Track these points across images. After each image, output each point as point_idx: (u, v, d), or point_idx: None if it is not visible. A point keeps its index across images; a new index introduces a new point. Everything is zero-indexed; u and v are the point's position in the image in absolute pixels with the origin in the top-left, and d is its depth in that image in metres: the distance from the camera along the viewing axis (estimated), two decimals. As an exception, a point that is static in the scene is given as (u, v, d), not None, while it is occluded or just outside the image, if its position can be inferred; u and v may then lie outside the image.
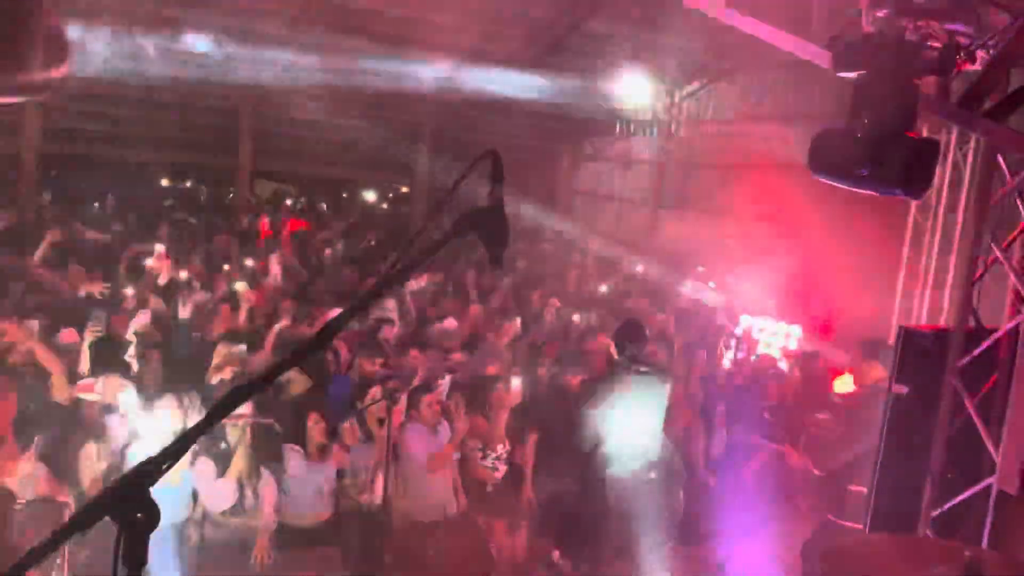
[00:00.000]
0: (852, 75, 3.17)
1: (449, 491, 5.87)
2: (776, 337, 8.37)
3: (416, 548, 5.42)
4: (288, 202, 19.28)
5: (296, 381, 5.55)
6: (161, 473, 1.21)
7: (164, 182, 18.70)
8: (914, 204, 7.79)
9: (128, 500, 1.18)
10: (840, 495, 5.23)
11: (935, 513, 3.27)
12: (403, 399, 5.81)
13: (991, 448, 3.15)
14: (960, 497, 3.21)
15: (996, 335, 3.24)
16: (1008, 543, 2.92)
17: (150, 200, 16.05)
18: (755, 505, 6.55)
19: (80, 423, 4.94)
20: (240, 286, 7.81)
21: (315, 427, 5.10)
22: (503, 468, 5.95)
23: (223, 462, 4.91)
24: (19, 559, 1.13)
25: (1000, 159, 3.32)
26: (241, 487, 4.91)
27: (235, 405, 1.31)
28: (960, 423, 3.29)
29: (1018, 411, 3.03)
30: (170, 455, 1.22)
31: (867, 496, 3.46)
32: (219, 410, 1.28)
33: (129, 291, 7.32)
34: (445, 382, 6.16)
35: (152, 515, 1.19)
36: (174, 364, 6.09)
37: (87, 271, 7.69)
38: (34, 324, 5.72)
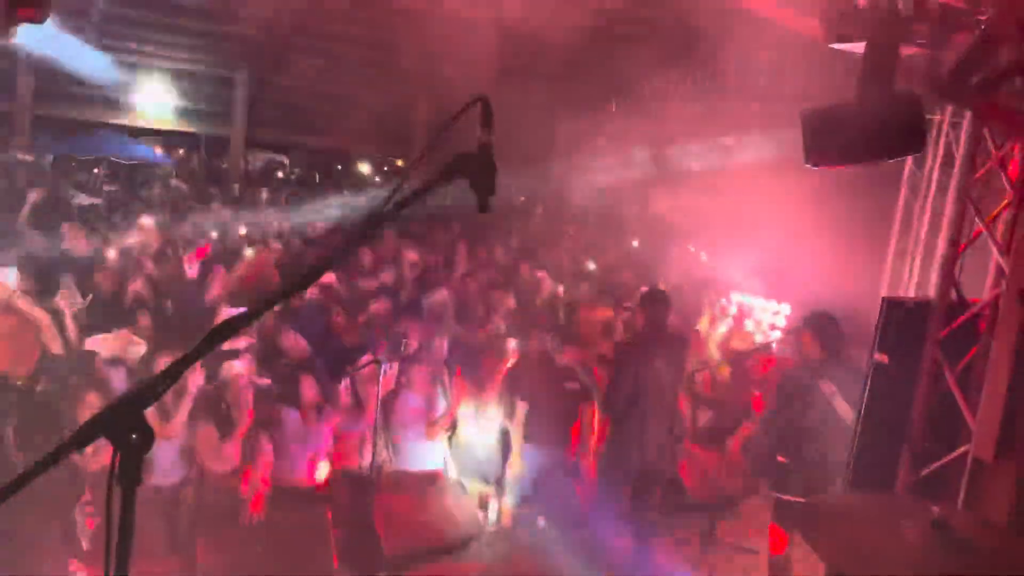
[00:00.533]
0: (844, 47, 3.20)
1: (439, 457, 5.96)
2: (765, 314, 8.45)
3: (405, 510, 5.51)
4: (280, 174, 19.24)
5: (296, 345, 5.60)
6: (157, 397, 1.26)
7: (157, 150, 18.61)
8: (904, 186, 7.85)
9: (124, 421, 1.23)
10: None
11: (912, 479, 3.35)
12: (395, 367, 5.88)
13: (968, 417, 3.22)
14: (937, 464, 3.29)
15: (976, 307, 3.30)
16: (981, 506, 3.01)
17: (143, 167, 15.99)
18: (741, 473, 6.67)
19: (83, 373, 4.97)
20: (248, 252, 7.90)
21: (309, 390, 5.16)
22: (495, 433, 6.03)
23: (224, 425, 4.98)
24: (20, 472, 1.18)
25: (987, 133, 3.37)
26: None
27: (227, 335, 1.36)
28: (939, 393, 3.36)
29: (994, 381, 3.10)
30: (166, 379, 1.27)
31: (847, 462, 3.55)
32: (211, 338, 1.32)
33: (112, 252, 7.36)
34: (438, 351, 6.22)
35: (146, 437, 1.24)
36: (178, 323, 6.17)
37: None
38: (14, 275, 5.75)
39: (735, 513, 6.47)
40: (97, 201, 10.37)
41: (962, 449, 3.21)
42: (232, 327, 1.39)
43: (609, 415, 5.61)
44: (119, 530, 1.23)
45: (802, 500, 4.49)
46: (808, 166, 3.34)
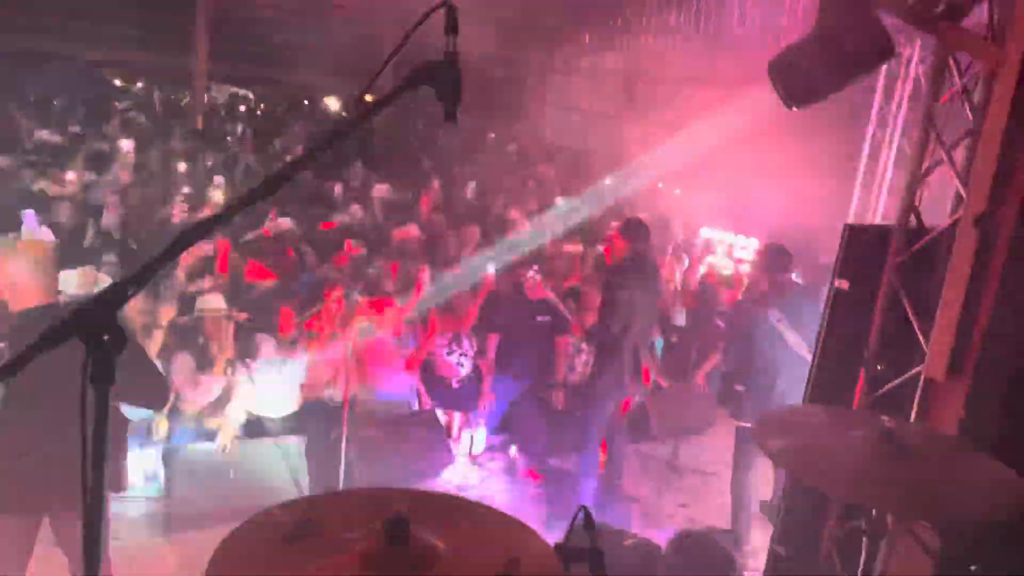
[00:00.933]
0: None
1: (412, 391, 6.05)
2: (733, 248, 8.57)
3: (378, 441, 5.60)
4: (243, 108, 18.78)
5: (264, 277, 5.60)
6: (126, 298, 1.27)
7: (117, 82, 18.06)
8: (873, 120, 7.91)
9: (95, 322, 1.25)
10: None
11: (867, 401, 3.47)
12: (366, 301, 5.91)
13: (922, 340, 3.33)
14: (890, 385, 3.41)
15: (934, 232, 3.38)
16: (930, 422, 3.14)
17: (102, 100, 15.52)
18: (705, 406, 6.85)
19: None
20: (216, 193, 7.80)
21: (284, 320, 5.19)
22: (469, 365, 6.11)
23: (202, 358, 5.00)
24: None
25: (951, 62, 3.40)
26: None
27: (192, 241, 1.37)
28: (896, 317, 3.46)
29: (948, 304, 3.20)
30: (135, 282, 1.29)
31: (805, 386, 3.66)
32: (176, 245, 1.33)
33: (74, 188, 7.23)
34: (408, 286, 6.26)
35: (118, 338, 1.26)
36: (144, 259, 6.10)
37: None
38: None
39: (699, 441, 6.67)
40: (57, 137, 10.09)
41: (915, 370, 3.33)
42: (197, 232, 1.40)
43: (597, 346, 5.66)
44: (94, 429, 1.26)
45: None
46: (793, 109, 3.35)
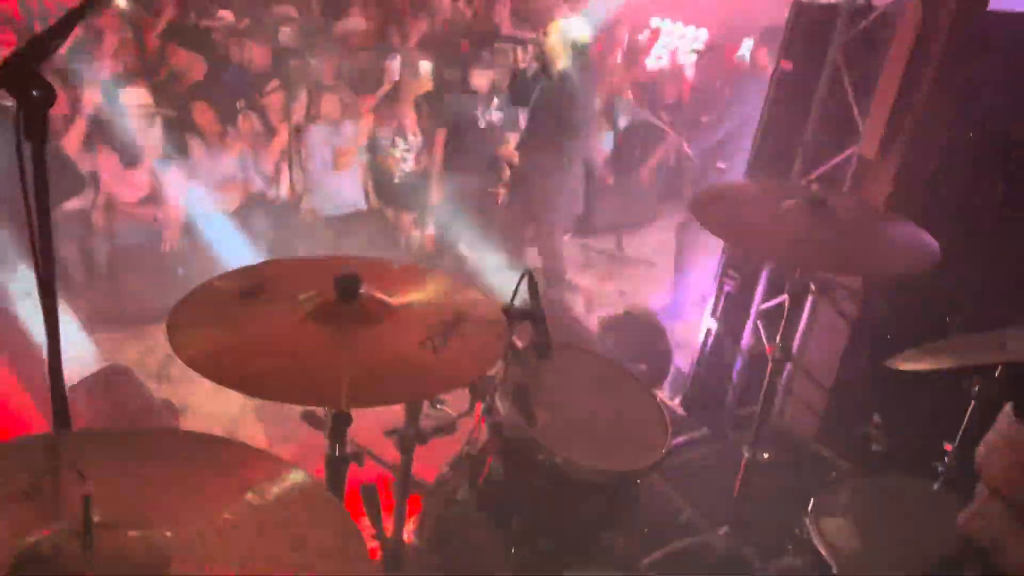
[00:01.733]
0: None
1: (358, 189, 6.01)
2: (684, 40, 8.37)
3: (327, 239, 5.65)
4: None
5: (191, 69, 5.31)
6: (49, 51, 1.23)
7: None
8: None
9: (21, 78, 1.21)
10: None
11: (803, 179, 3.60)
12: (303, 95, 5.71)
13: (859, 120, 3.41)
14: (826, 166, 3.52)
15: (879, 9, 3.35)
16: (862, 192, 3.29)
17: None
18: (649, 198, 7.01)
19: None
20: None
21: (203, 115, 5.01)
22: (412, 160, 6.05)
23: (128, 153, 4.85)
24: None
25: None
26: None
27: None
28: (837, 98, 3.51)
29: (886, 81, 3.26)
30: (55, 34, 1.23)
31: (747, 165, 3.75)
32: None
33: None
34: (352, 78, 6.03)
35: (47, 93, 1.22)
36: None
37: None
38: None
39: (641, 233, 6.89)
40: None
41: (850, 150, 3.44)
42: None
43: (528, 145, 5.63)
44: (34, 186, 1.25)
45: None
46: None
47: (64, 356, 1.31)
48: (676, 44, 8.29)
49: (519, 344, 2.09)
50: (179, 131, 5.01)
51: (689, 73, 7.58)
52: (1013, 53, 2.98)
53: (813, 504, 2.19)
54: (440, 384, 1.55)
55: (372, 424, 2.07)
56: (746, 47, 6.77)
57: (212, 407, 4.05)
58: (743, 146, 5.03)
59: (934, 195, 3.13)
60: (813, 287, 3.19)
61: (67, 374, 1.31)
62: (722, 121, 5.87)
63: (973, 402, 2.32)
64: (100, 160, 4.72)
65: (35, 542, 1.00)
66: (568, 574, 1.93)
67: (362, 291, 1.60)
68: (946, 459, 2.37)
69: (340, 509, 1.24)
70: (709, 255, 5.31)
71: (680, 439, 3.63)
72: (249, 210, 5.31)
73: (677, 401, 4.16)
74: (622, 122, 7.27)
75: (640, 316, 4.25)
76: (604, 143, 6.95)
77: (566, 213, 5.90)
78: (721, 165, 5.50)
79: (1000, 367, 2.21)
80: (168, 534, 1.05)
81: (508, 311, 1.95)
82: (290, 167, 5.63)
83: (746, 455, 2.67)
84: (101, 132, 4.73)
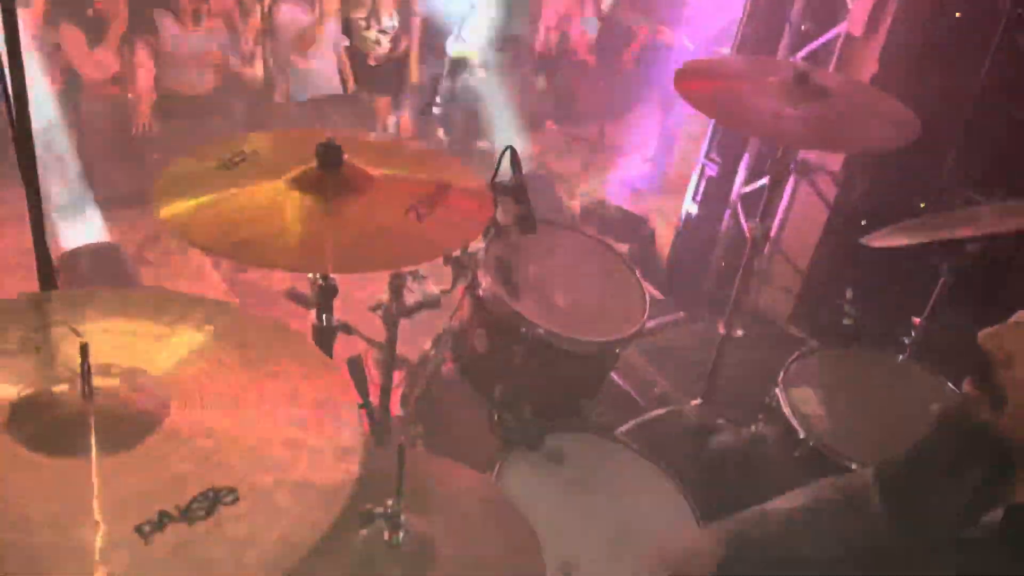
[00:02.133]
0: None
1: (333, 70, 5.83)
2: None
3: (302, 123, 5.54)
4: None
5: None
6: None
7: None
8: None
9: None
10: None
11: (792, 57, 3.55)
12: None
13: (847, -1, 3.35)
14: (815, 43, 3.47)
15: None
16: (848, 73, 3.26)
17: None
18: (632, 87, 6.88)
19: None
20: None
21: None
22: (387, 43, 5.87)
23: (94, 30, 4.65)
24: None
25: None
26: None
27: None
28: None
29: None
30: None
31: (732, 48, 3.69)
32: None
33: None
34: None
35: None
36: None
37: None
38: None
39: (622, 120, 6.81)
40: None
41: (837, 28, 3.39)
42: None
43: None
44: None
45: None
46: None
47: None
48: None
49: (501, 220, 2.10)
50: (145, 7, 4.79)
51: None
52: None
53: (783, 375, 2.27)
54: (426, 251, 1.56)
55: (356, 304, 2.11)
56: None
57: (190, 290, 4.07)
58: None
59: (918, 73, 3.11)
60: (793, 168, 3.20)
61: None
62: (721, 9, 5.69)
63: (943, 278, 2.39)
64: (63, 35, 4.52)
65: (34, 392, 1.03)
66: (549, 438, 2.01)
67: (344, 160, 1.59)
68: (913, 332, 2.46)
69: (331, 366, 1.28)
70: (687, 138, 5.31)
71: (658, 320, 3.71)
72: (224, 91, 5.16)
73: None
74: (605, 5, 7.04)
75: (618, 205, 4.27)
76: (589, 27, 6.75)
77: None
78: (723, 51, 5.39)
79: (968, 243, 2.26)
80: (165, 379, 1.08)
81: (492, 184, 1.95)
82: (263, 48, 5.45)
83: (721, 331, 2.74)
84: (60, 7, 4.52)
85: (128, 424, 1.00)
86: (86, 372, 0.98)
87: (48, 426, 0.99)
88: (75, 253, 3.14)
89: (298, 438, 1.05)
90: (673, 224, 4.44)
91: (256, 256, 1.44)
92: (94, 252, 3.20)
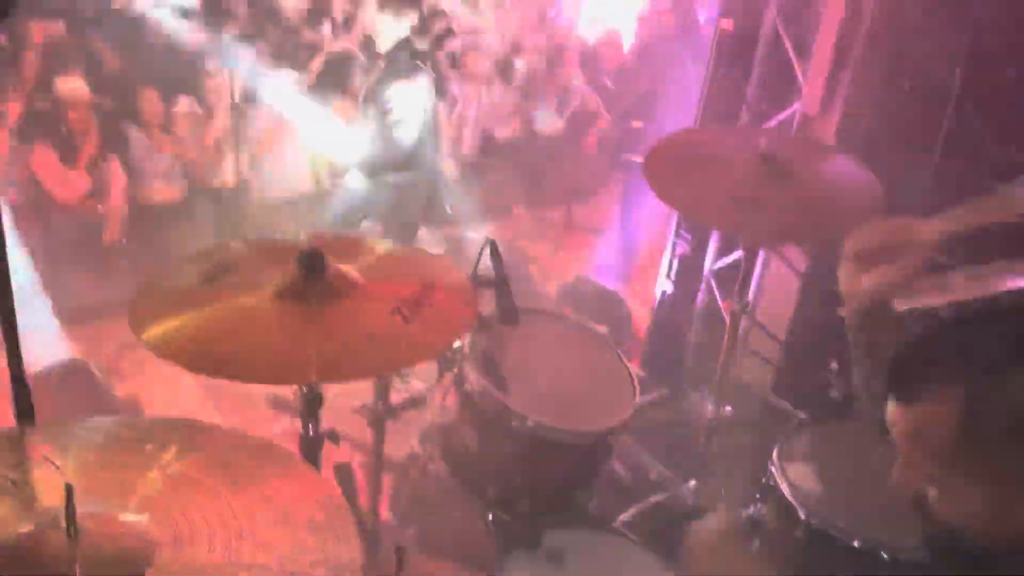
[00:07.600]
0: None
1: (304, 168, 5.89)
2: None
3: (276, 224, 5.55)
4: None
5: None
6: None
7: None
8: None
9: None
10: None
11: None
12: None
13: (800, 76, 3.47)
14: (770, 122, 3.58)
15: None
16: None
17: None
18: (595, 169, 7.05)
19: None
20: None
21: (149, 103, 4.85)
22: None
23: (66, 149, 4.66)
24: None
25: None
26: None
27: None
28: (778, 56, 3.57)
29: (823, 39, 3.33)
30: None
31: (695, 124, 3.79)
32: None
33: None
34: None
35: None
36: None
37: None
38: None
39: (590, 203, 6.94)
40: None
41: (792, 108, 3.50)
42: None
43: None
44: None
45: None
46: None
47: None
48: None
49: (484, 312, 2.09)
50: (116, 123, 4.84)
51: (628, 39, 7.57)
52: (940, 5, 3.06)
53: (777, 452, 2.24)
54: (413, 354, 1.54)
55: (341, 406, 2.07)
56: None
57: (167, 400, 3.96)
58: (664, 100, 5.13)
59: (874, 148, 3.21)
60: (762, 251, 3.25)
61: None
62: (634, 82, 5.96)
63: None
64: (36, 157, 4.51)
65: (17, 536, 0.98)
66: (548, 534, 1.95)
67: (327, 266, 1.58)
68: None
69: (322, 482, 1.24)
70: (655, 217, 5.39)
71: (641, 399, 3.68)
72: (195, 195, 5.18)
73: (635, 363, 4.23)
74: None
75: (594, 283, 4.30)
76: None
77: None
78: (637, 124, 5.58)
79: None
80: (150, 520, 1.04)
81: (474, 278, 1.95)
82: (235, 150, 5.49)
83: (710, 408, 2.72)
84: (35, 124, 4.54)
85: (115, 568, 0.94)
86: (71, 514, 0.93)
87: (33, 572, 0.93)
88: (45, 374, 3.04)
89: (296, 569, 1.00)
90: (648, 302, 4.47)
91: (241, 371, 1.41)
92: (64, 371, 3.12)
